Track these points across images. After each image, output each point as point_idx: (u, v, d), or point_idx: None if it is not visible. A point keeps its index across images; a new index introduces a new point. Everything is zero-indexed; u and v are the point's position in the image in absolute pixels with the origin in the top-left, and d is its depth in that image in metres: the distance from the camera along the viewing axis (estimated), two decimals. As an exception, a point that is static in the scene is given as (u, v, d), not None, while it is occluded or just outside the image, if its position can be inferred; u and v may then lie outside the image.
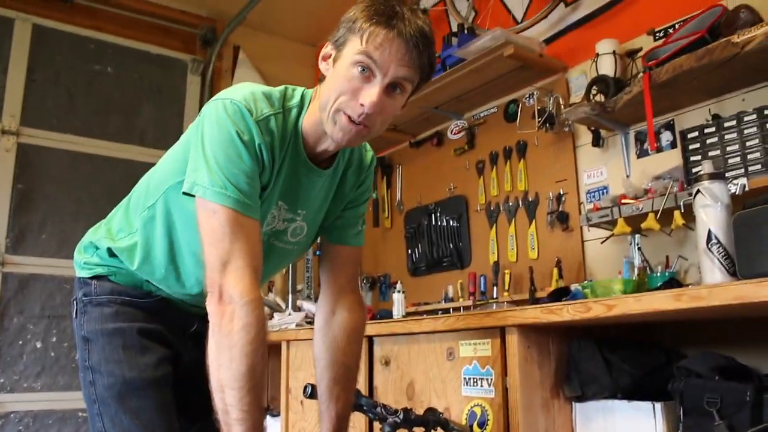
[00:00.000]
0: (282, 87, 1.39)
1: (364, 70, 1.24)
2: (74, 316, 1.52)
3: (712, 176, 1.54)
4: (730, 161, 2.09)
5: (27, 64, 3.59)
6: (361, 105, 1.25)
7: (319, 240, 1.61)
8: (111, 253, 1.48)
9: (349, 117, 1.27)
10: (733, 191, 1.67)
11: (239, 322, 1.18)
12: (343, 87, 1.26)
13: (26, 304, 3.40)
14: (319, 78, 1.36)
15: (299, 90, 1.41)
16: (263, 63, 4.28)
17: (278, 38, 4.45)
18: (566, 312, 1.65)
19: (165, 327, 1.51)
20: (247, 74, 4.14)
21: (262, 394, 1.21)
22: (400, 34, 1.22)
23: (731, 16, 2.05)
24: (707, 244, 1.50)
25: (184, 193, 1.27)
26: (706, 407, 1.56)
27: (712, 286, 1.38)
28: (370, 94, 1.25)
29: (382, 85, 1.25)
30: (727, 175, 1.99)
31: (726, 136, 2.11)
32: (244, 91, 1.31)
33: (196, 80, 4.14)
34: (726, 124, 2.12)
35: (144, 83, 3.98)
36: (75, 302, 1.52)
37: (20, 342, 3.35)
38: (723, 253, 1.47)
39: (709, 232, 1.50)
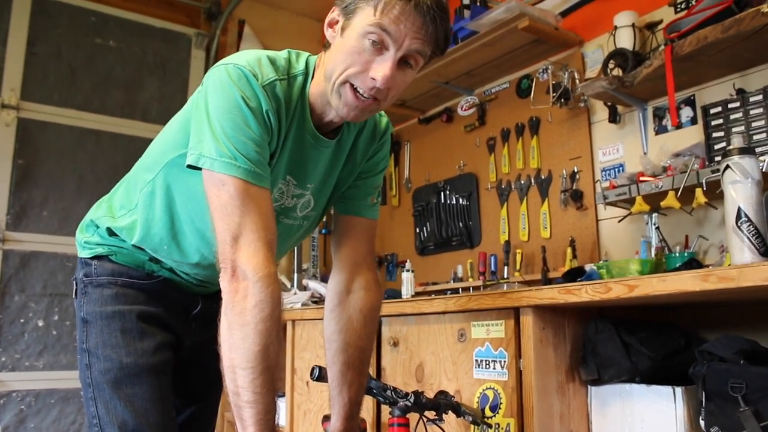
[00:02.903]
0: (285, 52, 1.33)
1: (376, 42, 1.17)
2: (74, 296, 1.48)
3: (743, 151, 1.46)
4: (756, 137, 2.02)
5: (27, 37, 3.51)
6: (372, 79, 1.19)
7: (332, 213, 1.55)
8: (111, 232, 1.44)
9: (356, 91, 1.22)
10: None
11: (253, 299, 1.12)
12: (353, 59, 1.20)
13: (28, 281, 3.35)
14: (324, 44, 1.29)
15: (303, 56, 1.34)
16: (268, 37, 4.20)
17: (284, 12, 4.37)
18: (585, 292, 1.58)
19: (167, 309, 1.46)
20: (253, 49, 4.05)
21: (275, 376, 1.15)
22: (416, 5, 1.15)
23: (759, -16, 1.97)
24: (736, 222, 1.42)
25: (189, 167, 1.20)
26: (731, 392, 1.50)
27: (742, 266, 1.31)
28: (383, 68, 1.18)
29: (395, 59, 1.19)
30: (752, 151, 1.92)
31: (751, 112, 2.04)
32: (249, 56, 1.25)
33: (200, 55, 4.05)
34: (752, 99, 2.05)
35: (147, 58, 3.90)
36: (75, 282, 1.48)
37: (22, 320, 3.30)
38: (753, 232, 1.40)
39: (739, 209, 1.42)
